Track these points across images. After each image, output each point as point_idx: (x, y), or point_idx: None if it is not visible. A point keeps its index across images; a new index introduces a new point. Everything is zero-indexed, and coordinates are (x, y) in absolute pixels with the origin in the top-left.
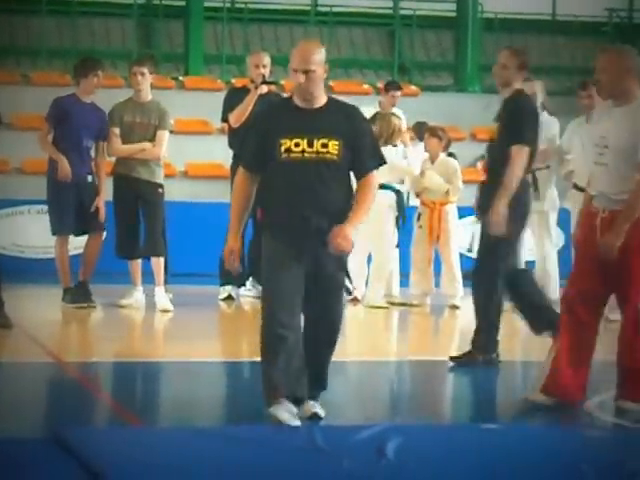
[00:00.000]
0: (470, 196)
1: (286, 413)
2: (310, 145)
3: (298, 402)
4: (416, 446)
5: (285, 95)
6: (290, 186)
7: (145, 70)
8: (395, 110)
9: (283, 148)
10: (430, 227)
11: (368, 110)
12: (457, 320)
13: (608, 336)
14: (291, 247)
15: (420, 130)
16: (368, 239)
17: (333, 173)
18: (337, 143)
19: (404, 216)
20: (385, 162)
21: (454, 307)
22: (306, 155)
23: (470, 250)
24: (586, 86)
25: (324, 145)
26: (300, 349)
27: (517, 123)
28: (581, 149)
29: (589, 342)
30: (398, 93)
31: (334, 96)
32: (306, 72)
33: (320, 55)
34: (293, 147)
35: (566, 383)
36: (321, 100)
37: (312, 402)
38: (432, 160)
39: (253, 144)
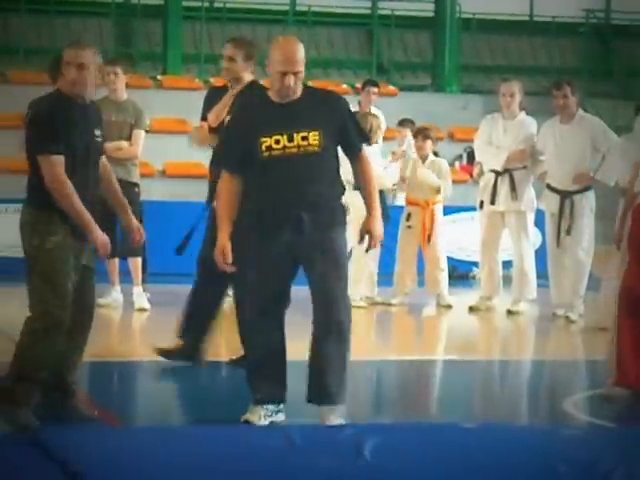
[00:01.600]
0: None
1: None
2: (290, 140)
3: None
4: (394, 445)
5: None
6: (275, 183)
7: (118, 70)
8: (373, 110)
9: (264, 146)
10: (423, 226)
11: None
12: (442, 319)
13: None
14: (280, 244)
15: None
16: (348, 239)
17: (318, 164)
18: (317, 133)
19: (387, 215)
20: (368, 139)
21: (447, 307)
22: (287, 151)
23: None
24: (561, 86)
25: (304, 138)
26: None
27: None
28: (554, 150)
29: None
30: (375, 89)
31: None
32: (295, 74)
33: (302, 52)
34: (274, 144)
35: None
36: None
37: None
38: (423, 160)
39: (233, 146)
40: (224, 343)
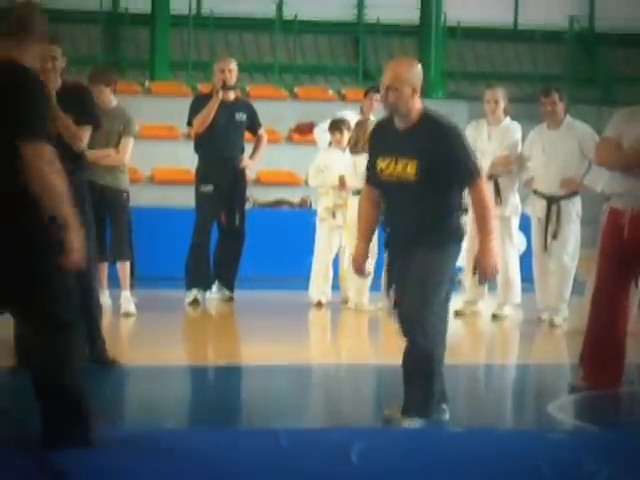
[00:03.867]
0: None
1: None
2: (395, 165)
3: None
4: (381, 449)
5: (251, 101)
6: (388, 205)
7: (102, 87)
8: (372, 117)
9: (379, 168)
10: None
11: (351, 115)
12: None
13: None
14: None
15: None
16: (346, 242)
17: (413, 193)
18: (415, 163)
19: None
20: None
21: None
22: (392, 175)
23: None
24: (549, 93)
25: (405, 166)
26: None
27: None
28: (542, 155)
29: None
30: (378, 96)
31: (298, 103)
32: (393, 89)
33: (408, 73)
34: (384, 167)
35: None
36: (412, 118)
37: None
38: None
39: (371, 161)
40: (211, 347)
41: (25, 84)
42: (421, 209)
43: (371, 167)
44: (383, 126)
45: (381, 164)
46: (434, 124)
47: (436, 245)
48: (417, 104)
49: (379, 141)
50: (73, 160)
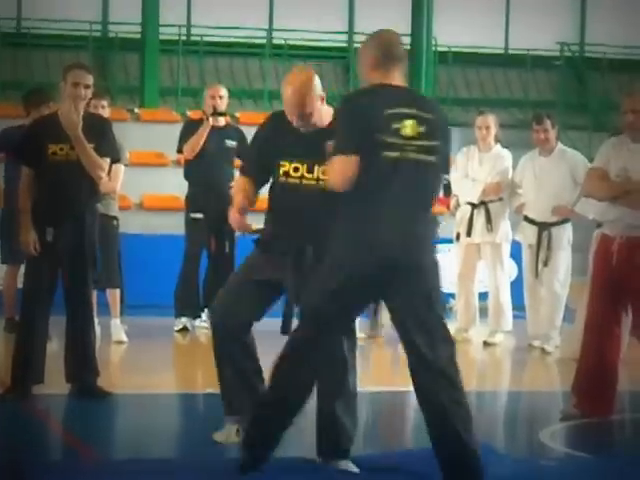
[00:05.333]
0: None
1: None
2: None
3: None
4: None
5: (240, 127)
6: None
7: (105, 103)
8: None
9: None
10: None
11: None
12: None
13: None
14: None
15: None
16: None
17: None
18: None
19: None
20: None
21: None
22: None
23: None
24: (541, 120)
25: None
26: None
27: None
28: (533, 182)
29: None
30: None
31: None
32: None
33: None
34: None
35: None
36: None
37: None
38: None
39: None
40: (200, 374)
41: None
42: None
43: None
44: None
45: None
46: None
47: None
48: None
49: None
50: (89, 189)
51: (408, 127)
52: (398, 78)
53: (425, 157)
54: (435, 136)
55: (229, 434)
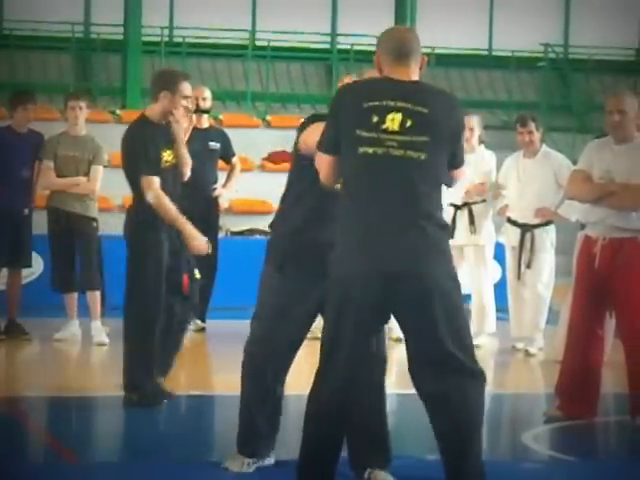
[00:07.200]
0: None
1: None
2: None
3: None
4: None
5: (224, 129)
6: None
7: (83, 104)
8: None
9: None
10: None
11: None
12: (395, 353)
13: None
14: None
15: None
16: None
17: None
18: None
19: None
20: None
21: (397, 340)
22: None
23: None
24: (526, 122)
25: None
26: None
27: None
28: (517, 184)
29: None
30: None
31: (271, 131)
32: None
33: None
34: None
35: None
36: None
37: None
38: None
39: None
40: (182, 377)
41: None
42: None
43: None
44: None
45: None
46: None
47: None
48: None
49: None
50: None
51: (390, 121)
52: (406, 73)
53: (412, 153)
54: (427, 131)
55: (243, 463)
